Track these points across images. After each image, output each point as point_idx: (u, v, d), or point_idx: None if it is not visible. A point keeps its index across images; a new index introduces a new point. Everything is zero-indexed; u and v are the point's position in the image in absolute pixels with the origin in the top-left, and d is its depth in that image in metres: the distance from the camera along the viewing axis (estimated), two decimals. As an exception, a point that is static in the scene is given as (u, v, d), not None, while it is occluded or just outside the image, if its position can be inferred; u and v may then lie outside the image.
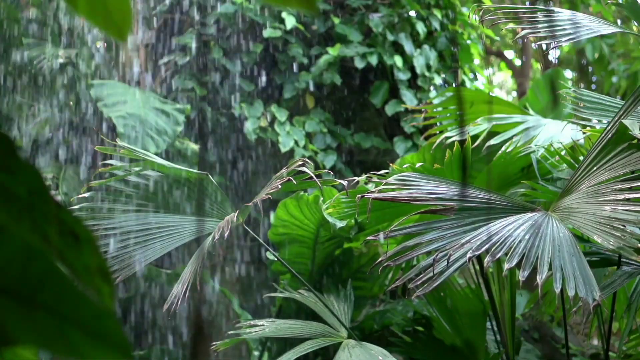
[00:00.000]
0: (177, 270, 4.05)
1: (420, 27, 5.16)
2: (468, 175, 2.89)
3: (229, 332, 2.85)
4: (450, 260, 2.02)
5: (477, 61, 6.00)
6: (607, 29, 2.70)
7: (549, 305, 3.56)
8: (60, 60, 4.33)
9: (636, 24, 3.05)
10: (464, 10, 5.87)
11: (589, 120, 2.81)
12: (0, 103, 4.56)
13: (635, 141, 2.18)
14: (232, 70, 4.90)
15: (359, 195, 2.50)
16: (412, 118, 4.39)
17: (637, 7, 2.82)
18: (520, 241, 2.00)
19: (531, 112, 3.73)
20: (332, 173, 4.03)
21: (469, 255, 1.98)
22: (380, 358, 2.47)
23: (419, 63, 5.11)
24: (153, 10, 5.02)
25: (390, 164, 2.88)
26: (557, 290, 1.89)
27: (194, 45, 4.92)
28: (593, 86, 9.33)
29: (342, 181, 2.60)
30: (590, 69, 9.27)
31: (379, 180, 2.50)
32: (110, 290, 0.55)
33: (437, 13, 5.30)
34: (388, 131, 5.18)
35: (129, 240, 2.65)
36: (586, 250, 2.62)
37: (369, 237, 2.38)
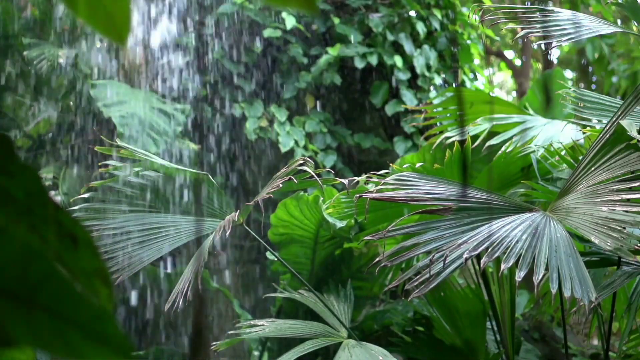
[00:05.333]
0: (178, 270, 4.05)
1: (420, 27, 5.16)
2: (468, 175, 2.89)
3: (229, 332, 2.85)
4: (447, 261, 2.02)
5: (477, 61, 6.00)
6: (607, 29, 2.70)
7: (548, 305, 3.57)
8: (60, 60, 4.33)
9: (636, 24, 3.05)
10: (464, 10, 5.87)
11: (589, 120, 2.81)
12: (1, 103, 4.56)
13: (633, 141, 2.19)
14: (232, 70, 4.91)
15: (357, 195, 2.51)
16: (412, 118, 4.39)
17: (637, 7, 2.82)
18: (517, 241, 2.00)
19: (531, 112, 3.73)
20: (332, 172, 4.04)
21: (465, 255, 1.99)
22: (380, 358, 2.47)
23: (419, 63, 5.11)
24: (153, 10, 5.02)
25: (390, 164, 2.89)
26: (554, 291, 1.90)
27: (194, 45, 4.92)
28: (593, 86, 9.33)
29: (342, 180, 2.60)
30: (590, 69, 9.27)
31: (378, 180, 2.50)
32: (108, 293, 0.56)
33: (437, 13, 5.29)
34: (388, 131, 5.18)
35: (129, 240, 2.65)
36: (586, 250, 2.62)
37: (367, 237, 2.38)
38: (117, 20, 0.63)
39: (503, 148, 2.84)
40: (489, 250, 2.00)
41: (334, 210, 2.90)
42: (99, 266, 0.56)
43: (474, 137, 3.16)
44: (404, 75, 5.06)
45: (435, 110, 3.75)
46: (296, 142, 4.74)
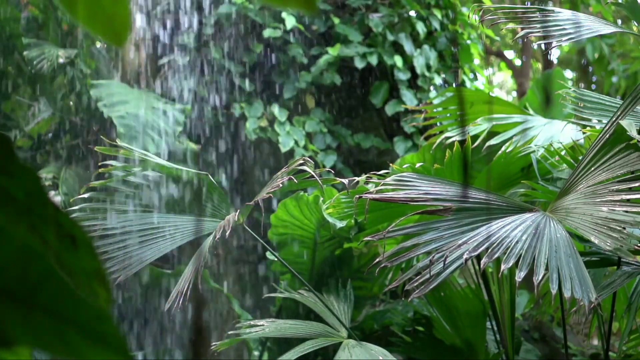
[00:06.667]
0: (178, 270, 4.05)
1: (420, 27, 5.16)
2: (469, 175, 2.89)
3: (229, 332, 2.85)
4: (447, 261, 2.02)
5: (477, 61, 5.99)
6: (607, 29, 2.70)
7: (548, 306, 3.57)
8: (60, 60, 4.33)
9: (636, 24, 3.06)
10: (464, 10, 5.87)
11: (589, 120, 2.81)
12: (0, 103, 4.56)
13: (633, 141, 2.19)
14: (232, 70, 4.91)
15: (357, 196, 2.51)
16: (412, 118, 4.39)
17: (637, 7, 2.82)
18: (517, 242, 2.01)
19: (531, 112, 3.73)
20: (332, 172, 4.04)
21: (465, 256, 1.99)
22: (381, 358, 2.47)
23: (419, 63, 5.11)
24: (153, 10, 5.02)
25: (390, 164, 2.89)
26: (554, 291, 1.90)
27: (193, 45, 4.92)
28: (593, 86, 9.34)
29: (342, 180, 2.60)
30: (590, 69, 9.28)
31: (378, 181, 2.50)
32: (107, 294, 0.56)
33: (437, 13, 5.30)
34: (388, 131, 5.18)
35: (129, 240, 2.65)
36: (586, 250, 2.62)
37: (366, 238, 2.38)
38: (116, 23, 0.63)
39: (503, 148, 2.84)
40: (489, 250, 2.00)
41: (334, 210, 2.90)
42: (97, 267, 0.56)
43: (474, 137, 3.16)
44: (404, 75, 5.06)
45: (435, 110, 3.75)
46: (296, 142, 4.74)
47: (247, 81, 4.93)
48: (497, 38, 7.68)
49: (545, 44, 2.81)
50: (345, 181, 2.59)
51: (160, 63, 4.98)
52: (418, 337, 3.17)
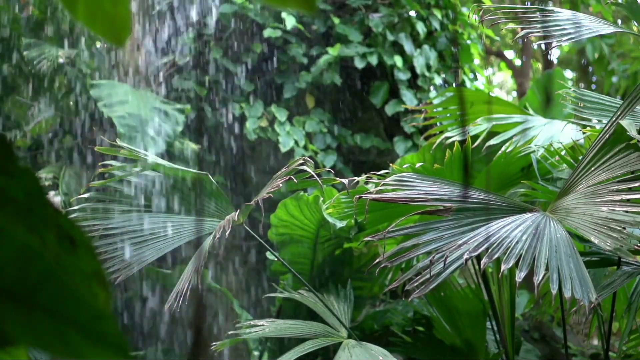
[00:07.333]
0: (178, 270, 4.05)
1: (420, 27, 5.16)
2: (469, 175, 2.89)
3: (229, 332, 2.85)
4: (447, 261, 2.02)
5: (477, 61, 5.99)
6: (607, 29, 2.70)
7: (548, 306, 3.57)
8: (60, 60, 4.34)
9: (636, 24, 3.06)
10: (464, 10, 5.87)
11: (589, 120, 2.81)
12: (0, 103, 4.56)
13: (633, 141, 2.19)
14: (232, 70, 4.91)
15: (357, 196, 2.51)
16: (412, 118, 4.39)
17: (636, 7, 2.82)
18: (517, 242, 2.01)
19: (531, 112, 3.73)
20: (332, 172, 4.04)
21: (465, 256, 1.99)
22: (381, 358, 2.48)
23: (419, 63, 5.11)
24: (153, 10, 5.02)
25: (390, 164, 2.89)
26: (554, 292, 1.90)
27: (193, 45, 4.92)
28: (593, 86, 9.34)
29: (342, 180, 2.60)
30: (590, 69, 9.28)
31: (378, 181, 2.50)
32: (106, 296, 0.56)
33: (437, 13, 5.30)
34: (388, 131, 5.18)
35: (129, 240, 2.65)
36: (586, 250, 2.62)
37: (366, 238, 2.38)
38: (116, 23, 0.63)
39: (503, 148, 2.84)
40: (489, 250, 2.01)
41: (334, 210, 2.90)
42: (96, 269, 0.56)
43: (474, 137, 3.17)
44: (404, 75, 5.06)
45: (435, 110, 3.75)
46: (296, 142, 4.74)
47: (247, 81, 4.93)
48: (497, 38, 7.68)
49: (545, 44, 2.82)
50: (345, 181, 2.59)
51: (160, 63, 4.98)
52: (418, 337, 3.17)
